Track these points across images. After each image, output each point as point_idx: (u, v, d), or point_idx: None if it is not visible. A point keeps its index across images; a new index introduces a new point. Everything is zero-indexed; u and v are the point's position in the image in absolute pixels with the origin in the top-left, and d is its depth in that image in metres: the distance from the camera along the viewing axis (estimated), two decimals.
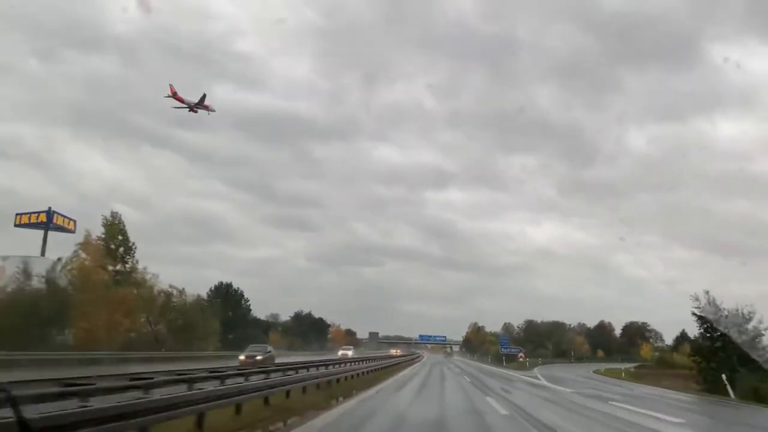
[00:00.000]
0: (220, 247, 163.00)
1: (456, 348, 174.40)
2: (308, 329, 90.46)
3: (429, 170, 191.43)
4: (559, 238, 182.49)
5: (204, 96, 53.64)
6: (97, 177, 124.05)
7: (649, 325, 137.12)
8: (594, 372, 58.40)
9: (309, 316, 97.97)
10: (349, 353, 60.09)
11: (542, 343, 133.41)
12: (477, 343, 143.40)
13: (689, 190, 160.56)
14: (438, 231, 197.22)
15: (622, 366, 67.45)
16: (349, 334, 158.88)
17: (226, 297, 70.23)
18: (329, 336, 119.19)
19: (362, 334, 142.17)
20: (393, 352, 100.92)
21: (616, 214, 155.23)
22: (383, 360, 46.41)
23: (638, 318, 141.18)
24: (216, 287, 72.45)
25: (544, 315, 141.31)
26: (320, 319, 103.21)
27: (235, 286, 73.79)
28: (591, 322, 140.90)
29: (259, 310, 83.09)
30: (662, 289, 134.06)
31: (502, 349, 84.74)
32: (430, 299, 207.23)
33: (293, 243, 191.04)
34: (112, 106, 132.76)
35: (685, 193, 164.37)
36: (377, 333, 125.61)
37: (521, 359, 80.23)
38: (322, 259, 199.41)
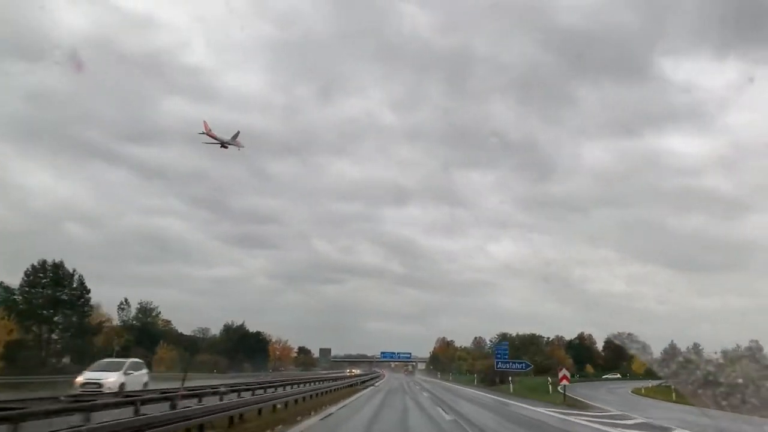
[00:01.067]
0: (178, 266, 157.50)
1: (421, 366, 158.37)
2: (238, 345, 72.38)
3: (388, 186, 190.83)
4: (520, 253, 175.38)
5: (238, 133, 54.73)
6: (46, 194, 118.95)
7: (635, 336, 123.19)
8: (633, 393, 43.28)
9: (241, 329, 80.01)
10: None
11: (519, 357, 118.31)
12: (446, 359, 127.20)
13: (644, 205, 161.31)
14: (399, 248, 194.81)
15: (649, 384, 53.46)
16: (303, 351, 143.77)
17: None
18: (277, 354, 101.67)
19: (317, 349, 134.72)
20: (348, 371, 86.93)
21: (574, 229, 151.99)
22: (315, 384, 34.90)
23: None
24: None
25: (511, 331, 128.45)
26: (257, 333, 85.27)
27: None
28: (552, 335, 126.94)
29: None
30: (622, 303, 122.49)
31: (499, 365, 56.06)
32: (394, 317, 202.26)
33: (253, 261, 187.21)
34: (58, 120, 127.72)
35: (640, 208, 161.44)
36: (329, 349, 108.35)
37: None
38: (283, 278, 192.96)
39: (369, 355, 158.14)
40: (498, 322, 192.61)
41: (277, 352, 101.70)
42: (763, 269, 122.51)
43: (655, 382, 51.43)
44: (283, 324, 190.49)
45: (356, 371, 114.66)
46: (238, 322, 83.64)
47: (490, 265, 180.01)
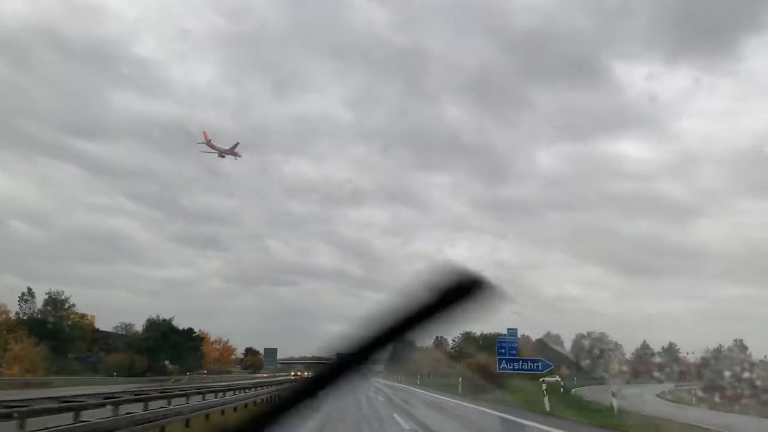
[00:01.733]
0: (128, 266, 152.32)
1: (379, 367, 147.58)
2: (164, 343, 60.35)
3: (344, 186, 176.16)
4: (475, 256, 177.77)
5: (237, 144, 55.34)
6: None
7: (607, 336, 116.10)
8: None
9: (166, 324, 67.75)
10: None
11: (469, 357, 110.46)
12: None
13: (597, 209, 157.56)
14: (356, 250, 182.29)
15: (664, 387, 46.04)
16: (251, 353, 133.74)
17: None
18: (216, 354, 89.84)
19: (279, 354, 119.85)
20: (293, 374, 77.71)
21: (528, 232, 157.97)
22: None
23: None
24: None
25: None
26: (189, 330, 73.22)
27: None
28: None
29: None
30: (574, 307, 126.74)
31: (503, 365, 36.13)
32: (352, 320, 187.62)
33: (206, 262, 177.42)
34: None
35: (592, 213, 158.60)
36: (274, 350, 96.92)
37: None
38: (238, 280, 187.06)
39: (326, 357, 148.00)
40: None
41: (216, 353, 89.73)
42: (710, 274, 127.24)
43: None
44: (237, 327, 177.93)
45: (306, 374, 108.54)
46: (181, 318, 74.61)
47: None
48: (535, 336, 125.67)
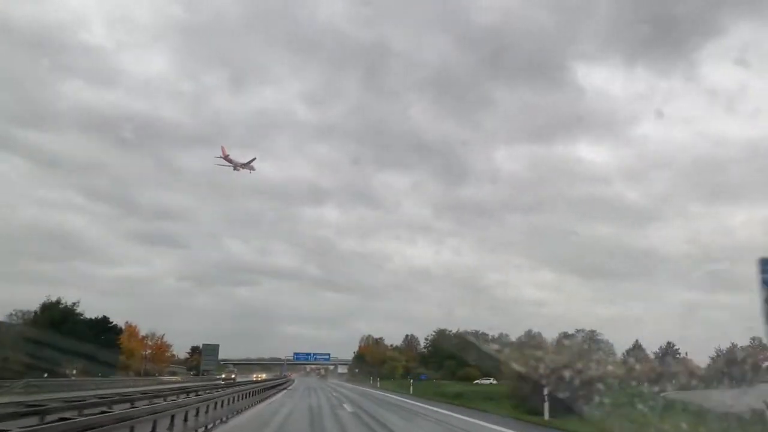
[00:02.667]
0: (81, 264, 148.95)
1: (342, 369, 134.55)
2: (54, 335, 44.41)
3: (304, 185, 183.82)
4: (436, 258, 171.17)
5: (254, 159, 58.19)
6: None
7: (597, 334, 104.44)
8: None
9: (68, 310, 51.82)
10: None
11: (462, 359, 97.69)
12: (375, 360, 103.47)
13: (555, 212, 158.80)
14: (316, 249, 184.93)
15: None
16: (198, 352, 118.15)
17: None
18: (147, 352, 73.94)
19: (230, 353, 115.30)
20: (225, 374, 65.27)
21: (488, 234, 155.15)
22: None
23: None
24: None
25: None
26: (100, 320, 57.38)
27: None
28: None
29: None
30: (530, 309, 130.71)
31: None
32: (311, 321, 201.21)
33: (162, 261, 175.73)
34: None
35: (551, 215, 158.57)
36: (216, 346, 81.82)
37: None
38: (194, 279, 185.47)
39: (283, 357, 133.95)
40: (416, 325, 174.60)
41: (148, 350, 74.04)
42: (665, 277, 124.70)
43: None
44: (193, 328, 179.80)
45: (263, 376, 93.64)
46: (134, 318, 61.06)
47: (407, 269, 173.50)
48: (515, 335, 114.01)
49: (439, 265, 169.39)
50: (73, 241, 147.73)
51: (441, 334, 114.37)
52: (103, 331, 54.98)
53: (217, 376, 64.88)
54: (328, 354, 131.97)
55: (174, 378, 63.23)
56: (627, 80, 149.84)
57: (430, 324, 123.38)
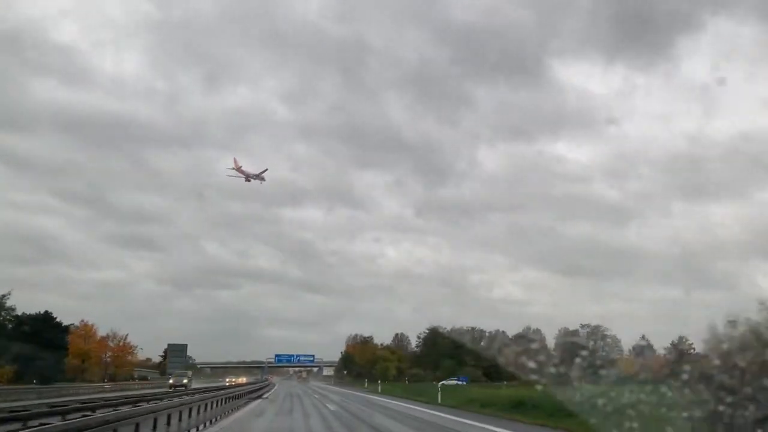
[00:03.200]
0: (58, 268, 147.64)
1: (328, 372, 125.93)
2: None
3: (283, 185, 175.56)
4: (419, 258, 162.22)
5: (266, 170, 58.60)
6: None
7: (603, 328, 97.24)
8: None
9: None
10: None
11: (462, 359, 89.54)
12: (364, 361, 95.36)
13: (536, 211, 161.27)
14: (297, 251, 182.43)
15: None
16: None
17: None
18: (108, 355, 64.71)
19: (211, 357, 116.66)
20: (229, 381, 56.40)
21: (470, 233, 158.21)
22: None
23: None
24: None
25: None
26: (42, 317, 48.33)
27: None
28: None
29: None
30: (513, 309, 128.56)
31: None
32: (294, 324, 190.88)
33: (140, 264, 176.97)
34: None
35: (532, 214, 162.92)
36: (184, 346, 73.01)
37: None
38: (173, 283, 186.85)
39: (264, 360, 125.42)
40: (401, 326, 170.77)
41: (109, 353, 64.95)
42: (645, 275, 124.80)
43: None
44: (173, 333, 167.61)
45: (243, 380, 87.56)
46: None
47: (391, 270, 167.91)
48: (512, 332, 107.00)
49: (422, 265, 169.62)
50: (47, 245, 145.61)
51: (435, 333, 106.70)
52: (42, 330, 45.73)
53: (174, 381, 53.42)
54: (313, 355, 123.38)
55: (132, 384, 54.35)
56: (605, 77, 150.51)
57: (415, 325, 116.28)
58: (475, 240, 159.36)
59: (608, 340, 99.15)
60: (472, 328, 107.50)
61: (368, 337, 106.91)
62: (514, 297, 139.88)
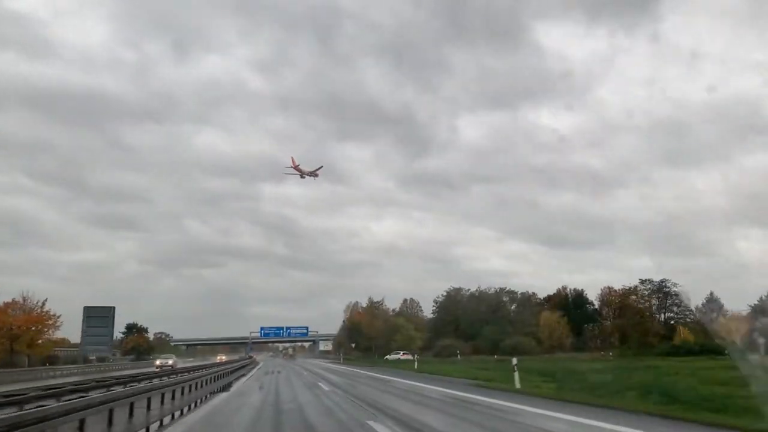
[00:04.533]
0: (35, 250, 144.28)
1: (325, 346, 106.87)
2: None
3: (262, 160, 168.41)
4: (402, 232, 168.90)
5: (320, 167, 60.69)
6: None
7: (671, 283, 78.65)
8: None
9: None
10: None
11: (501, 323, 70.58)
12: (376, 331, 75.70)
13: (518, 181, 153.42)
14: (280, 228, 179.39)
15: None
16: (137, 330, 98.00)
17: None
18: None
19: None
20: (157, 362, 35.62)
21: (453, 206, 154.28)
22: None
23: None
24: None
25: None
26: None
27: None
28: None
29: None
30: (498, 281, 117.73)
31: None
32: (282, 300, 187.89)
33: (122, 244, 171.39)
34: None
35: (514, 185, 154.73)
36: (110, 309, 51.40)
37: None
38: (157, 262, 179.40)
39: (249, 335, 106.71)
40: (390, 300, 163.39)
41: (19, 324, 44.47)
42: (628, 245, 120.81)
43: None
44: (159, 312, 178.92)
45: (222, 358, 78.59)
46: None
47: (372, 245, 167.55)
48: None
49: (408, 239, 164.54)
50: (24, 226, 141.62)
51: (458, 295, 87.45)
52: None
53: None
54: (306, 327, 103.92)
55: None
56: (588, 40, 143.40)
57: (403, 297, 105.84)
58: (457, 213, 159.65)
59: (676, 298, 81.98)
60: (501, 289, 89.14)
61: (378, 302, 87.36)
62: (496, 268, 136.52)
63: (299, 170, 59.26)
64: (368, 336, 74.71)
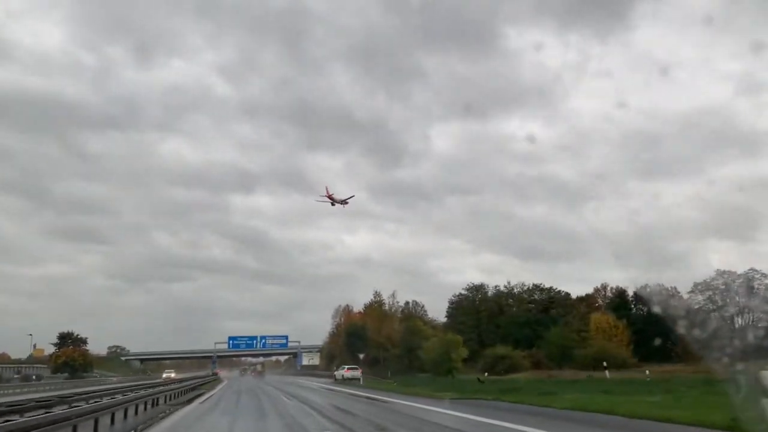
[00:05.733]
0: None
1: (309, 359, 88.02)
2: None
3: (231, 170, 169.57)
4: (376, 244, 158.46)
5: (352, 196, 60.40)
6: None
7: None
8: None
9: None
10: None
11: (524, 332, 52.50)
12: (384, 338, 56.83)
13: (492, 193, 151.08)
14: (250, 240, 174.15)
15: None
16: (73, 340, 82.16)
17: None
18: None
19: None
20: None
21: (427, 218, 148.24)
22: None
23: None
24: None
25: None
26: None
27: None
28: None
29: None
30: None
31: None
32: (254, 315, 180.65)
33: (87, 258, 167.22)
34: None
35: (488, 196, 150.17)
36: None
37: None
38: (124, 276, 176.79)
39: (215, 348, 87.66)
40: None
41: None
42: (600, 257, 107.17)
43: None
44: (128, 328, 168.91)
45: (171, 375, 66.27)
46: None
47: (349, 257, 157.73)
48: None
49: (382, 251, 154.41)
50: None
51: (476, 290, 69.81)
52: None
53: None
54: (285, 337, 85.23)
55: None
56: (560, 47, 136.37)
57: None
58: (431, 225, 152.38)
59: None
60: (536, 286, 72.00)
61: (378, 300, 68.88)
62: (472, 280, 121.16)
63: (331, 198, 58.20)
64: (376, 343, 56.45)
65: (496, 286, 70.82)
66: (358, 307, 77.15)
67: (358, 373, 46.72)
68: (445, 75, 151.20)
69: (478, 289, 71.23)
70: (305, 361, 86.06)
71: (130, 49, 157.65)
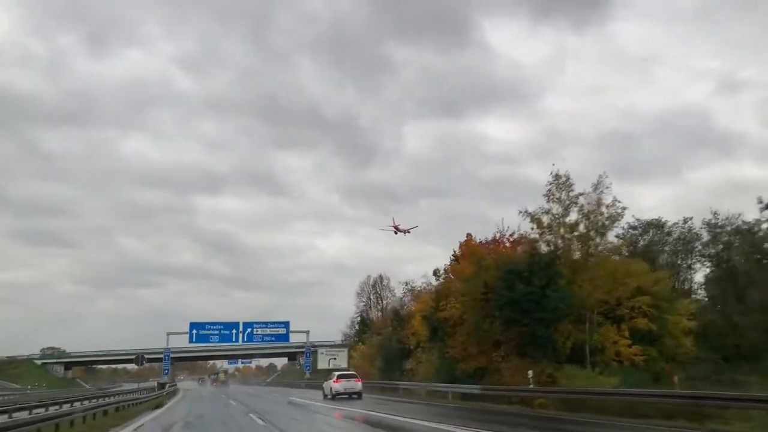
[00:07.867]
0: None
1: (332, 361, 53.43)
2: None
3: (195, 169, 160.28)
4: (350, 249, 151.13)
5: (416, 226, 58.46)
6: None
7: None
8: None
9: None
10: None
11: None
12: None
13: (465, 195, 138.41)
14: (219, 245, 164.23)
15: None
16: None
17: None
18: None
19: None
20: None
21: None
22: None
23: None
24: None
25: None
26: None
27: None
28: None
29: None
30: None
31: None
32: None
33: (51, 262, 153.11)
34: None
35: (461, 199, 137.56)
36: None
37: None
38: (91, 282, 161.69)
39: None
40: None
41: None
42: None
43: None
44: (98, 336, 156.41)
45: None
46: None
47: (323, 262, 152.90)
48: None
49: (356, 257, 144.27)
50: None
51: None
52: None
53: None
54: (286, 324, 53.49)
55: None
56: (534, 41, 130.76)
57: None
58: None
59: None
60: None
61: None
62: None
63: (396, 228, 55.94)
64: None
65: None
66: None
67: (357, 385, 28.42)
68: (418, 68, 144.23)
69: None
70: (338, 361, 51.63)
71: (83, 38, 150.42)
